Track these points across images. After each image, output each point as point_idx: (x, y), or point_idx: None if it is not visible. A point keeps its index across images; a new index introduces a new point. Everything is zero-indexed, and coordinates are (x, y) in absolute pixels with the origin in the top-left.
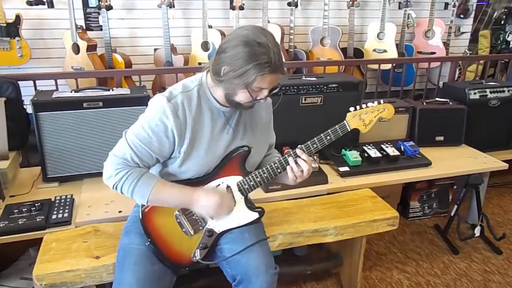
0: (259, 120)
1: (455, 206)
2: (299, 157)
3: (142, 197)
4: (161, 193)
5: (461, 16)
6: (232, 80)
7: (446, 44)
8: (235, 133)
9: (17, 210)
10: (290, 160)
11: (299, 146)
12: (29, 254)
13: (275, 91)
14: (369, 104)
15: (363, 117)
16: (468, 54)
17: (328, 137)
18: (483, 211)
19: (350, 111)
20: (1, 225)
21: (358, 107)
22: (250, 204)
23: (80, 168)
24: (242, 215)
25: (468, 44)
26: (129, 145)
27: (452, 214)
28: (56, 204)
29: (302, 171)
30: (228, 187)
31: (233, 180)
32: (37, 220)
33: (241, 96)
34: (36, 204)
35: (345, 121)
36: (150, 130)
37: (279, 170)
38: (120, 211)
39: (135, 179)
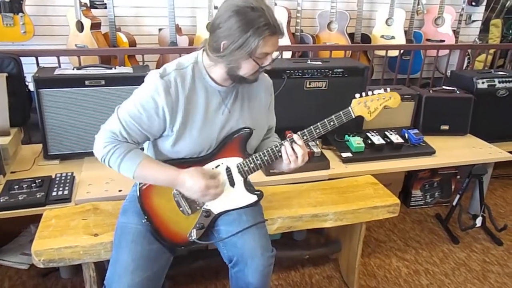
0: (257, 101)
1: (457, 196)
2: (295, 142)
3: (128, 172)
4: (147, 170)
5: (473, 4)
6: (234, 52)
7: (455, 32)
8: (231, 113)
9: (17, 186)
10: (286, 144)
11: (298, 132)
12: (30, 230)
13: (277, 57)
14: (375, 91)
15: (368, 104)
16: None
17: (332, 123)
18: (485, 202)
19: (356, 98)
20: (1, 200)
21: (363, 93)
22: (249, 187)
23: (81, 146)
24: (241, 197)
25: (479, 34)
26: (119, 120)
27: (454, 203)
28: (57, 181)
29: (297, 157)
30: (227, 168)
31: (233, 162)
32: (37, 196)
33: (246, 68)
34: (36, 181)
35: (349, 108)
36: (141, 107)
37: (280, 154)
38: (120, 190)
39: (122, 153)
